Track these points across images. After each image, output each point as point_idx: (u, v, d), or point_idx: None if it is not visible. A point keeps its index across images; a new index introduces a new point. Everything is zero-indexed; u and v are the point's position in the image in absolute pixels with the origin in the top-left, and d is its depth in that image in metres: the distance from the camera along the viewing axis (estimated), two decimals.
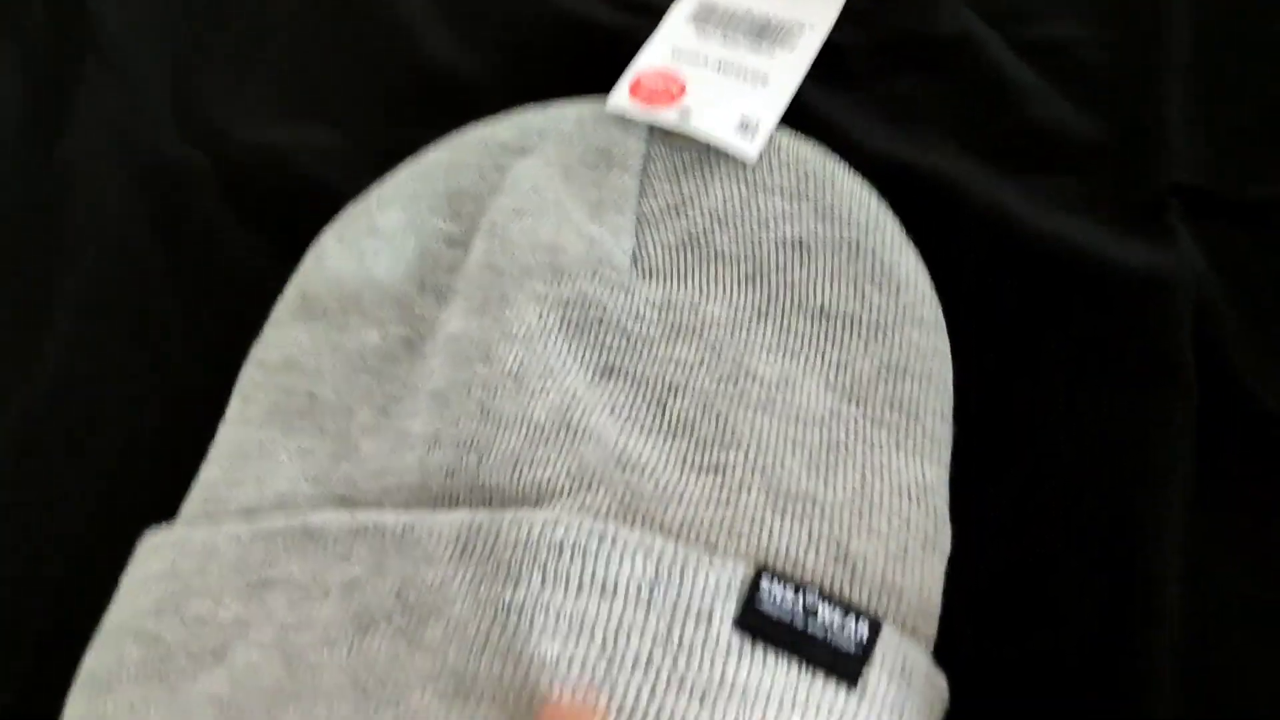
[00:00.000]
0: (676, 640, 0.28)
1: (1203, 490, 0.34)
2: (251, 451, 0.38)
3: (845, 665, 0.28)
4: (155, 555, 0.36)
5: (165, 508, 0.38)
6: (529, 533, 0.30)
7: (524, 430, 0.34)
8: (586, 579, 0.29)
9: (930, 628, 0.31)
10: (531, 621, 0.28)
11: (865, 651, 0.29)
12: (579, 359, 0.36)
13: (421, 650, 0.29)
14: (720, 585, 0.29)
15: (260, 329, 0.41)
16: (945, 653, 0.30)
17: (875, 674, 0.28)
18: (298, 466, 0.37)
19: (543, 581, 0.29)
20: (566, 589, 0.29)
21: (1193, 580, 0.32)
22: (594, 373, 0.36)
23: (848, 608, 0.29)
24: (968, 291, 0.38)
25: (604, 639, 0.28)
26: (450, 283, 0.40)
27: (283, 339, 0.40)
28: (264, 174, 0.46)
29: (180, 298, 0.44)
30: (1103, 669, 0.31)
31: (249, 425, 0.39)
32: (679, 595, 0.29)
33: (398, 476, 0.35)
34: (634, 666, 0.28)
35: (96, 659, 0.34)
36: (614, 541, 0.29)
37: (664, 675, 0.28)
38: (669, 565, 0.29)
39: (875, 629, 0.29)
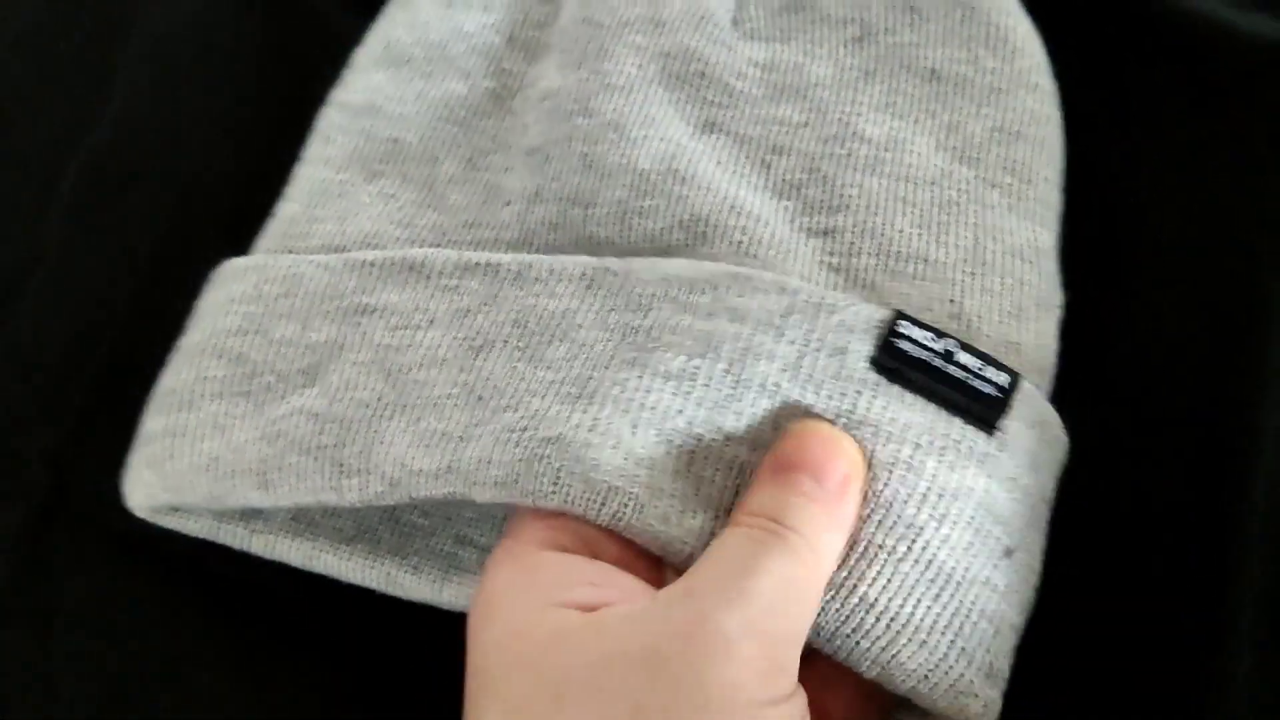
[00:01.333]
0: (807, 370, 0.28)
1: None
2: (332, 191, 0.37)
3: (986, 409, 0.28)
4: (236, 279, 0.35)
5: (237, 246, 0.37)
6: (662, 273, 0.29)
7: (629, 179, 0.33)
8: (719, 307, 0.28)
9: (1047, 385, 0.30)
10: (659, 339, 0.28)
11: (1006, 396, 0.28)
12: (680, 111, 0.35)
13: (544, 366, 0.29)
14: (856, 323, 0.28)
15: (338, 79, 0.40)
16: None
17: (1015, 422, 0.28)
18: (382, 209, 0.36)
19: (673, 309, 0.29)
20: (695, 314, 0.28)
21: None
22: (695, 127, 0.35)
23: (987, 357, 0.28)
24: (1086, 63, 0.36)
25: (731, 359, 0.28)
26: (541, 38, 0.39)
27: (365, 83, 0.39)
28: None
29: (254, 41, 0.43)
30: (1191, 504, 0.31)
31: (329, 166, 0.37)
32: (812, 328, 0.28)
33: (494, 230, 0.34)
34: (760, 390, 0.28)
35: (175, 376, 0.34)
36: (749, 279, 0.29)
37: (791, 402, 0.27)
38: (804, 300, 0.28)
39: (1015, 377, 0.28)
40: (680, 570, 0.26)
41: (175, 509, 0.33)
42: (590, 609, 0.25)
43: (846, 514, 0.26)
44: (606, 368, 0.28)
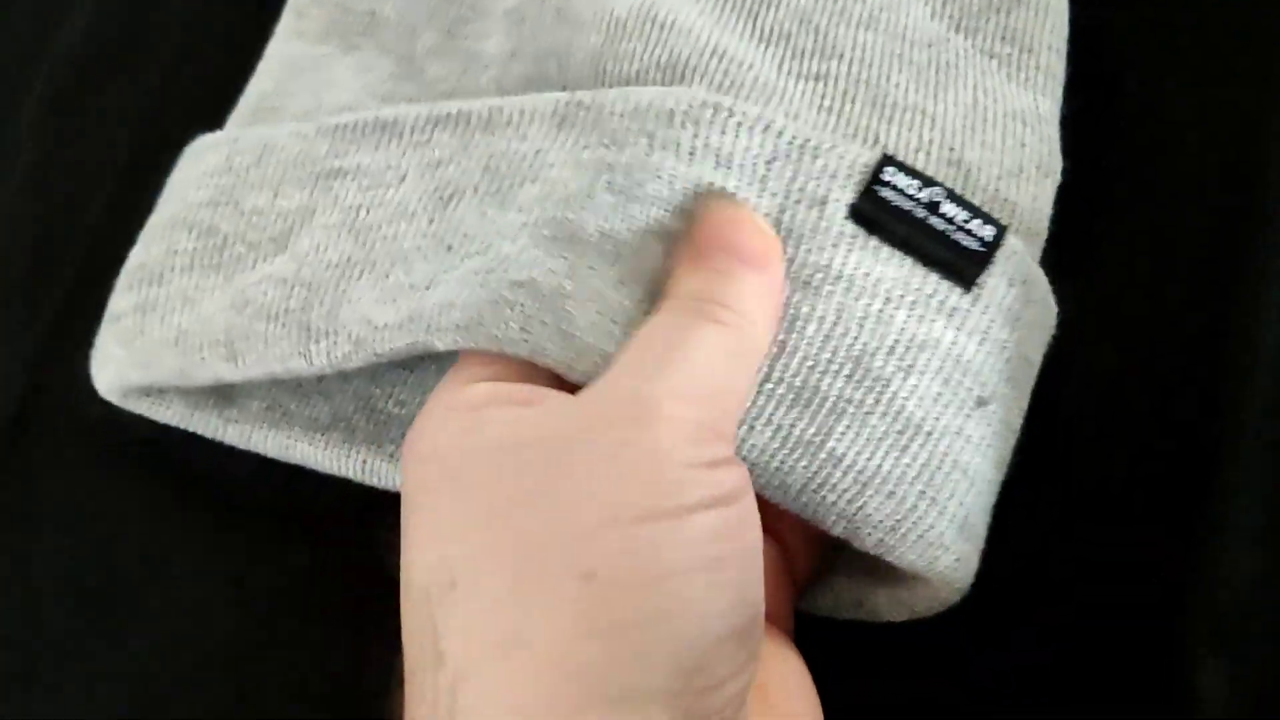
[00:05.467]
0: (787, 224, 0.26)
1: None
2: (306, 65, 0.36)
3: (965, 264, 0.26)
4: (208, 153, 0.34)
5: (213, 124, 0.36)
6: (636, 103, 0.27)
7: (604, 26, 0.31)
8: (699, 146, 0.27)
9: (1037, 250, 0.29)
10: (641, 185, 0.26)
11: (989, 251, 0.27)
12: None
13: (514, 209, 0.28)
14: (840, 169, 0.27)
15: None
16: None
17: (995, 278, 0.27)
18: (358, 82, 0.35)
19: (650, 145, 0.27)
20: (678, 153, 0.26)
21: None
22: None
23: (975, 209, 0.27)
24: None
25: None
26: None
27: None
28: None
29: None
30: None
31: (303, 40, 0.36)
32: (795, 175, 0.27)
33: (470, 98, 0.33)
34: None
35: (145, 251, 0.33)
36: (730, 113, 0.27)
37: None
38: (788, 142, 0.27)
39: (1001, 231, 0.27)
40: None
41: (146, 393, 0.33)
42: None
43: (773, 282, 0.26)
44: (584, 209, 0.26)
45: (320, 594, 0.33)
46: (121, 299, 0.33)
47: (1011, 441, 0.28)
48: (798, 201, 0.27)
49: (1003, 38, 0.32)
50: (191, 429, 0.33)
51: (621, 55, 0.30)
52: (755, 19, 0.31)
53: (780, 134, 0.27)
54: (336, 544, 0.33)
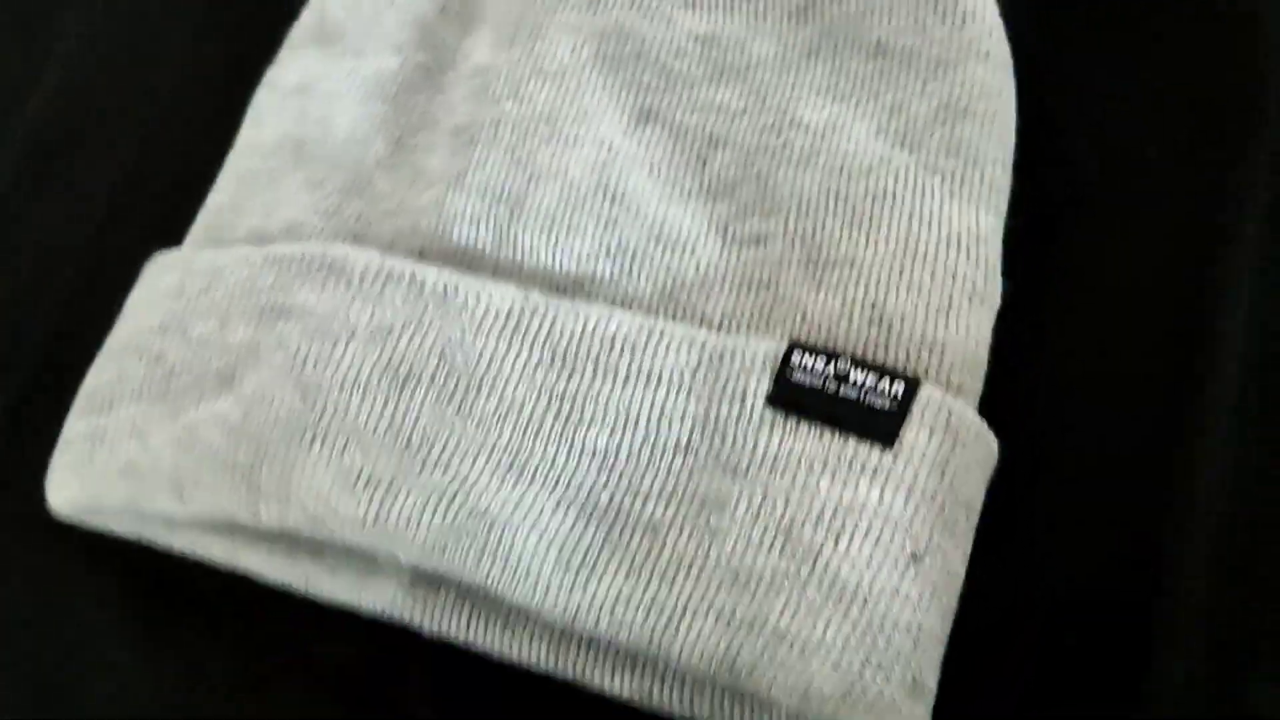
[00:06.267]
0: (714, 421, 0.28)
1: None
2: (260, 179, 0.36)
3: (880, 424, 0.27)
4: (162, 275, 0.35)
5: (176, 233, 0.37)
6: (584, 325, 0.30)
7: (559, 188, 0.32)
8: (634, 371, 0.29)
9: (976, 384, 0.29)
10: (583, 411, 0.29)
11: (901, 408, 0.27)
12: (615, 99, 0.34)
13: (473, 421, 0.29)
14: (755, 363, 0.29)
15: (275, 53, 0.39)
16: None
17: (914, 431, 0.27)
18: (307, 198, 0.35)
19: (594, 374, 0.29)
20: (615, 381, 0.29)
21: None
22: (631, 118, 0.34)
23: (882, 370, 0.28)
24: (1031, 24, 0.35)
25: (648, 427, 0.29)
26: (475, 9, 0.37)
27: (298, 62, 0.38)
28: None
29: (191, 18, 0.42)
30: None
31: (257, 153, 0.37)
32: (717, 378, 0.29)
33: (413, 217, 0.33)
34: (675, 450, 0.28)
35: (98, 377, 0.34)
36: (661, 335, 0.29)
37: (702, 456, 0.28)
38: (710, 352, 0.29)
39: (912, 386, 0.28)
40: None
41: (96, 511, 0.33)
42: None
43: None
44: (536, 437, 0.29)
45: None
46: (74, 424, 0.34)
47: (956, 588, 0.28)
48: (720, 399, 0.29)
49: (947, 152, 0.32)
50: (142, 540, 0.33)
51: (574, 228, 0.32)
52: (704, 165, 0.33)
53: (704, 346, 0.29)
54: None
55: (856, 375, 0.28)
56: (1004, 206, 0.32)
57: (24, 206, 0.41)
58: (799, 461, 0.27)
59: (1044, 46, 0.35)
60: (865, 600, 0.26)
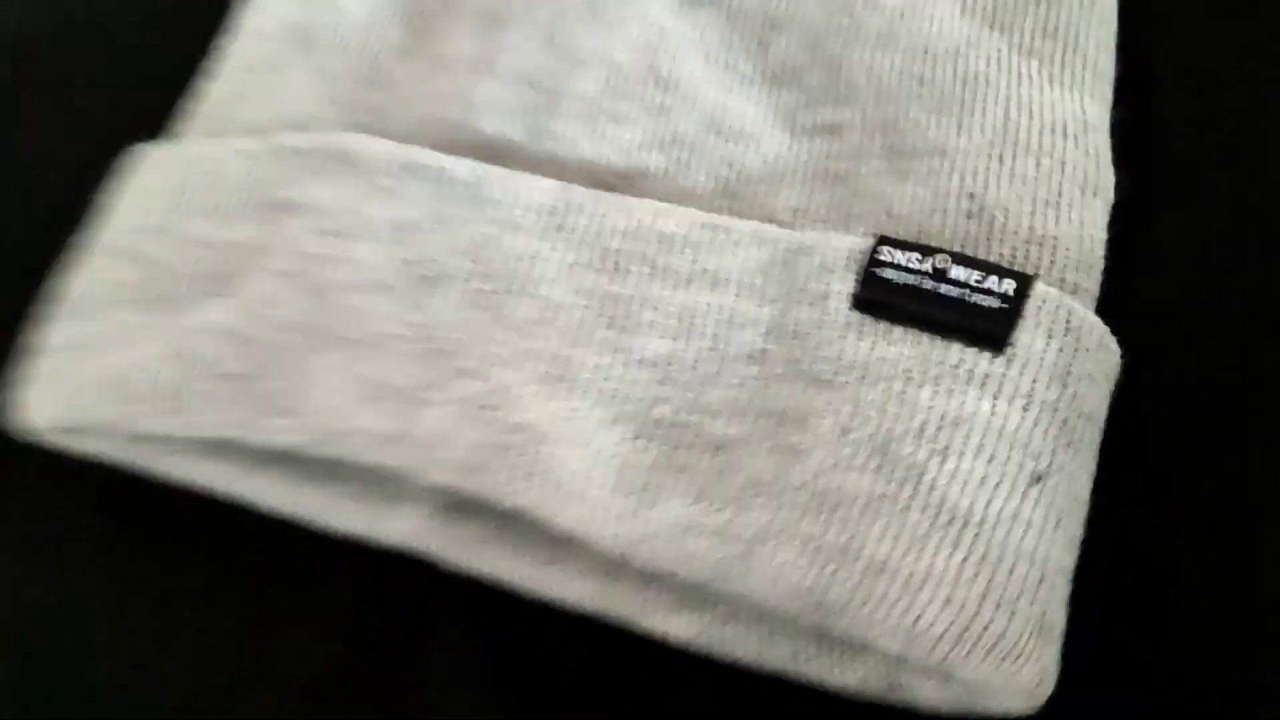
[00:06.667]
0: (790, 326, 0.25)
1: None
2: (262, 65, 0.33)
3: (989, 325, 0.24)
4: (151, 171, 0.31)
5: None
6: (636, 221, 0.27)
7: (602, 73, 0.29)
8: (696, 271, 0.26)
9: (1094, 285, 0.26)
10: (637, 317, 0.26)
11: (1013, 308, 0.24)
12: None
13: (510, 327, 0.26)
14: (835, 262, 0.25)
15: None
16: None
17: (1029, 334, 0.24)
18: (317, 86, 0.32)
19: (649, 275, 0.26)
20: (673, 283, 0.26)
21: None
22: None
23: (987, 265, 0.24)
24: None
25: (715, 333, 0.25)
26: None
27: None
28: None
29: None
30: None
31: (259, 36, 0.34)
32: (792, 279, 0.25)
33: (436, 106, 0.30)
34: (745, 360, 0.25)
35: (81, 281, 0.31)
36: (726, 232, 0.26)
37: (778, 365, 0.25)
38: (783, 250, 0.26)
39: (1025, 282, 0.24)
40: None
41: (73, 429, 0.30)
42: None
43: None
44: (584, 345, 0.26)
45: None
46: (55, 332, 0.30)
47: (1081, 515, 0.24)
48: (799, 302, 0.25)
49: (1043, 32, 0.28)
50: (129, 464, 0.30)
51: (621, 117, 0.29)
52: (765, 50, 0.30)
53: (776, 242, 0.26)
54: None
55: (957, 271, 0.24)
56: (1110, 94, 0.28)
57: (5, 115, 0.38)
58: (894, 369, 0.24)
59: None
60: (980, 526, 0.22)
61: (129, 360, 0.28)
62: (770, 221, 0.27)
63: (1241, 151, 0.29)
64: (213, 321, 0.28)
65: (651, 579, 0.25)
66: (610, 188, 0.28)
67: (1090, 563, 0.24)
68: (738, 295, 0.26)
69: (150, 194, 0.31)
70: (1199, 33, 0.31)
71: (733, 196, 0.28)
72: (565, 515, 0.24)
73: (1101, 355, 0.25)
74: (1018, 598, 0.22)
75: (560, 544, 0.26)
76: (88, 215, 0.32)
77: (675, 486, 0.24)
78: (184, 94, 0.34)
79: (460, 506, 0.27)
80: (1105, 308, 0.26)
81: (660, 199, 0.28)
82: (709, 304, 0.26)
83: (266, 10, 0.34)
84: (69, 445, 0.30)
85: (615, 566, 0.26)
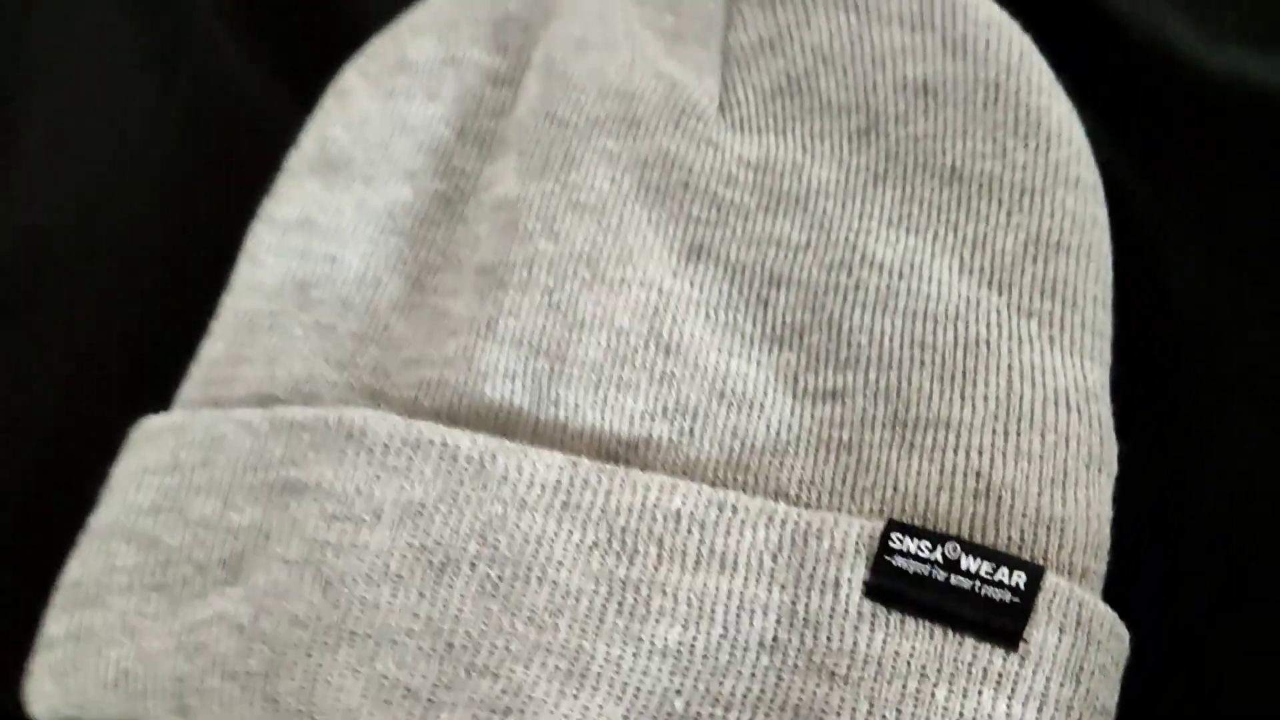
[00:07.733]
0: (803, 614, 0.25)
1: None
2: (261, 324, 0.33)
3: (1001, 622, 0.24)
4: (152, 445, 0.31)
5: (159, 394, 0.33)
6: (644, 500, 0.26)
7: (605, 339, 0.29)
8: (704, 554, 0.26)
9: (1100, 565, 0.26)
10: (649, 603, 0.25)
11: (1025, 603, 0.24)
12: (662, 235, 0.31)
13: (523, 617, 0.26)
14: (847, 547, 0.25)
15: (272, 181, 0.35)
16: None
17: (1041, 630, 0.24)
18: (317, 344, 0.32)
19: (659, 557, 0.26)
20: (683, 566, 0.26)
21: None
22: (680, 255, 0.30)
23: (998, 555, 0.25)
24: (1127, 141, 0.32)
25: (726, 620, 0.25)
26: (497, 129, 0.34)
27: (299, 193, 0.35)
28: None
29: (172, 138, 0.38)
30: None
31: (257, 294, 0.33)
32: (803, 564, 0.25)
33: (438, 369, 0.30)
34: (758, 649, 0.25)
35: (82, 566, 0.30)
36: (734, 511, 0.26)
37: (791, 655, 0.25)
38: (791, 532, 0.26)
39: (1035, 575, 0.24)
40: None
41: None
42: None
43: None
44: (597, 635, 0.25)
45: None
46: (56, 622, 0.30)
47: None
48: (810, 589, 0.25)
49: (1041, 293, 0.28)
50: None
51: (625, 384, 0.29)
52: (766, 308, 0.30)
53: (784, 523, 0.26)
54: None
55: (968, 562, 0.25)
56: (1108, 354, 0.28)
57: None
58: (908, 666, 0.24)
59: (1131, 169, 0.31)
60: None
61: (133, 654, 0.28)
62: (779, 495, 0.27)
63: (1245, 405, 0.30)
64: (220, 613, 0.27)
65: None
66: (617, 458, 0.28)
67: None
68: (748, 579, 0.25)
69: (149, 471, 0.31)
70: (1194, 285, 0.31)
71: (740, 467, 0.28)
72: None
73: (1112, 644, 0.25)
74: None
75: None
76: (73, 483, 0.31)
77: None
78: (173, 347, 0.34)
79: None
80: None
81: (667, 470, 0.28)
82: (720, 588, 0.25)
83: (263, 263, 0.34)
84: None
85: None
